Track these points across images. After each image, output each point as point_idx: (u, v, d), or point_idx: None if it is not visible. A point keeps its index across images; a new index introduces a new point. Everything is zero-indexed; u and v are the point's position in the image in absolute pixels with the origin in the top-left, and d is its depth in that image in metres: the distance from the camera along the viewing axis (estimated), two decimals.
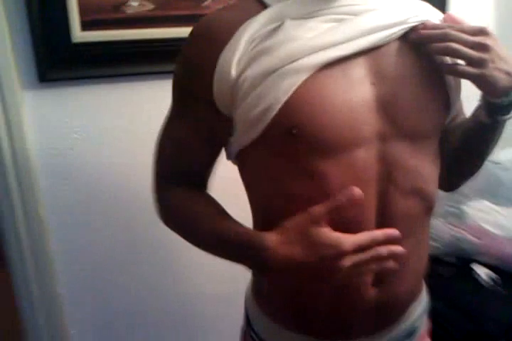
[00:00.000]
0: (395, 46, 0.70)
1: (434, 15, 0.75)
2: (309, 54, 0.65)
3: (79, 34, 1.14)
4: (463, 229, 1.40)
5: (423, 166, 0.74)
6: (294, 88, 0.65)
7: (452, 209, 1.47)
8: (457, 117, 0.85)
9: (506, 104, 0.72)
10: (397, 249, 0.65)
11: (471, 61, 0.68)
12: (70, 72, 1.17)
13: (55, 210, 1.27)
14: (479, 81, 0.70)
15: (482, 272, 1.36)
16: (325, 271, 0.63)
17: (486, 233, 1.36)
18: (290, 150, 0.69)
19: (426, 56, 0.71)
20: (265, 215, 0.78)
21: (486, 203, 1.40)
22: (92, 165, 1.26)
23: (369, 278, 0.74)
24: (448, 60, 0.72)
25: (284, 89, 0.65)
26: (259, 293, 0.85)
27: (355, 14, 0.68)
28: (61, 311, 1.33)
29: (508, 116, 0.75)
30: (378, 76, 0.69)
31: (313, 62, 0.65)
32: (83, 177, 1.27)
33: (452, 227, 1.43)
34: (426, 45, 0.70)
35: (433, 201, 0.78)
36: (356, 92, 0.67)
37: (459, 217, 1.42)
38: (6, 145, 1.17)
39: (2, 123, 1.15)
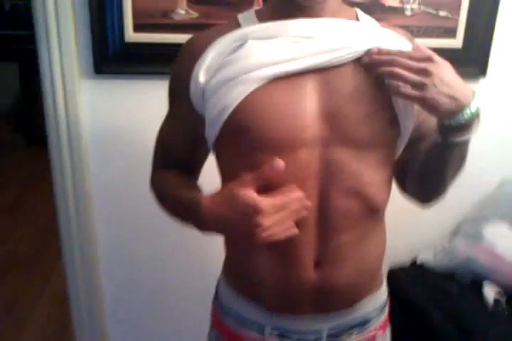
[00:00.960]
0: (349, 67, 0.79)
1: (396, 43, 0.82)
2: (261, 68, 0.76)
3: (131, 35, 1.33)
4: (478, 251, 1.39)
5: (364, 171, 0.82)
6: (244, 95, 0.77)
7: (471, 231, 1.46)
8: (425, 135, 0.89)
9: (455, 126, 0.77)
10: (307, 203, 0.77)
11: (412, 84, 0.75)
12: (121, 67, 1.35)
13: (101, 187, 1.46)
14: (421, 103, 0.77)
15: (490, 292, 1.34)
16: (248, 227, 0.73)
17: (498, 257, 1.34)
18: (241, 147, 0.81)
19: (376, 78, 0.79)
20: None
21: (505, 227, 1.37)
22: (135, 149, 1.44)
23: (310, 260, 0.84)
24: (395, 83, 0.78)
25: (236, 95, 0.77)
26: (225, 266, 0.98)
27: (308, 38, 0.78)
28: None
29: (460, 138, 0.78)
30: (326, 90, 0.78)
31: (263, 75, 0.77)
32: (126, 159, 1.44)
33: (468, 248, 1.42)
34: (375, 68, 0.78)
35: (375, 203, 0.86)
36: (302, 102, 0.78)
37: (477, 238, 1.41)
38: (63, 126, 1.39)
39: (62, 106, 1.37)
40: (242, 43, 0.79)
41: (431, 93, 0.74)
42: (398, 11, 1.39)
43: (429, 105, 0.76)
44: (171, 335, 1.63)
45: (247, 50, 0.78)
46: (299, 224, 0.79)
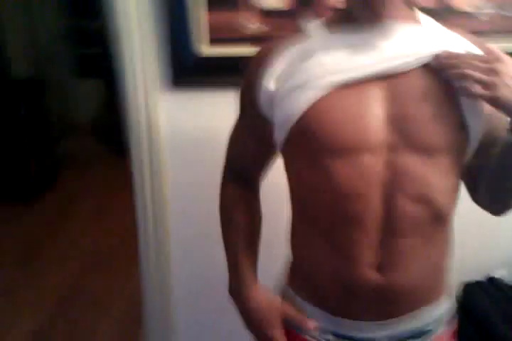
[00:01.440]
0: (415, 72, 0.80)
1: (461, 45, 0.82)
2: (329, 75, 0.80)
3: (207, 49, 1.40)
4: None
5: (431, 177, 0.82)
6: (311, 101, 0.81)
7: None
8: (498, 140, 0.87)
9: None
10: None
11: (483, 84, 0.76)
12: (198, 79, 1.43)
13: (179, 196, 1.54)
14: (493, 102, 0.77)
15: None
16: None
17: None
18: (307, 150, 0.85)
19: (445, 82, 0.80)
20: (293, 203, 0.94)
21: None
22: (211, 158, 1.50)
23: (372, 263, 0.85)
24: (466, 84, 0.78)
25: (303, 102, 0.81)
26: (289, 268, 1.01)
27: (375, 44, 0.80)
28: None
29: None
30: (392, 96, 0.80)
31: (330, 82, 0.80)
32: (203, 168, 1.51)
33: None
34: (445, 71, 0.79)
35: (441, 210, 0.85)
36: (367, 107, 0.80)
37: None
38: (144, 137, 1.48)
39: (143, 117, 1.47)
40: (311, 53, 0.82)
41: (502, 92, 0.75)
42: (473, 16, 1.36)
43: (501, 104, 0.76)
44: (238, 334, 1.66)
45: (316, 59, 0.81)
46: (362, 226, 0.82)
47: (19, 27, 4.27)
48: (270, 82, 0.84)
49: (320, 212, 0.87)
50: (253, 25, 1.38)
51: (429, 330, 0.94)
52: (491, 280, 1.50)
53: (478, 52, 0.82)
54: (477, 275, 1.54)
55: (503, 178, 0.87)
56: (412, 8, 0.85)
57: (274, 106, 0.85)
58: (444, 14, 1.36)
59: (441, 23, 0.87)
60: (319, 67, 0.80)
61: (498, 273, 1.49)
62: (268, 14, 1.38)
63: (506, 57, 0.77)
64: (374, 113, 0.80)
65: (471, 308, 1.48)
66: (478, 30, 1.36)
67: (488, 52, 0.79)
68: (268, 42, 0.90)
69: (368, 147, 0.80)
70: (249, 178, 1.03)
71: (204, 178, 1.49)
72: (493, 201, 0.93)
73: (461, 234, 1.52)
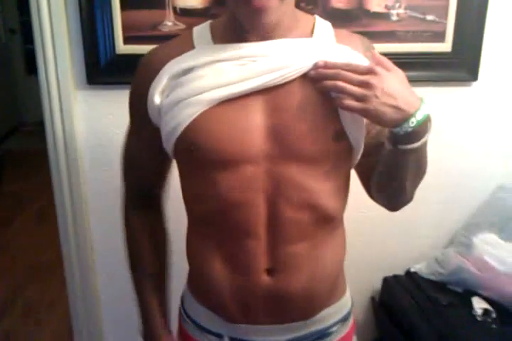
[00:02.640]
0: (296, 83, 0.81)
1: (346, 56, 0.82)
2: (210, 90, 0.80)
3: (122, 47, 1.38)
4: (467, 260, 1.36)
5: (313, 183, 0.84)
6: (193, 116, 0.81)
7: (463, 239, 1.44)
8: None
9: (402, 135, 0.77)
10: None
11: (354, 96, 0.76)
12: (113, 77, 1.40)
13: (96, 192, 1.52)
14: (364, 114, 0.78)
15: (478, 305, 1.31)
16: None
17: (488, 267, 1.31)
18: (192, 161, 0.85)
19: (323, 92, 0.80)
20: (187, 213, 0.94)
21: (494, 237, 1.34)
22: None
23: (262, 268, 0.85)
24: (339, 95, 0.79)
25: (186, 116, 0.81)
26: (188, 276, 1.01)
27: (254, 59, 0.80)
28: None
29: (410, 146, 0.79)
30: (271, 108, 0.81)
31: (211, 97, 0.80)
32: (118, 167, 1.49)
33: (459, 257, 1.38)
34: (319, 82, 0.79)
35: (327, 213, 0.87)
36: (247, 120, 0.81)
37: (468, 247, 1.37)
38: (60, 134, 1.45)
39: (58, 116, 1.44)
40: (193, 65, 0.82)
41: (373, 104, 0.76)
42: (384, 16, 1.38)
43: (372, 116, 0.77)
44: None
45: (198, 72, 0.81)
46: (249, 233, 0.83)
47: None
48: (155, 95, 0.84)
49: (208, 221, 0.88)
50: (168, 23, 1.37)
51: (333, 332, 0.95)
52: (408, 274, 1.53)
53: (363, 61, 0.82)
54: (396, 271, 1.58)
55: (388, 178, 0.88)
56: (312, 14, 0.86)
57: (161, 117, 0.85)
58: (356, 15, 1.38)
59: (353, 24, 0.86)
60: (200, 83, 0.80)
61: (416, 268, 1.53)
62: (184, 13, 1.37)
63: (387, 67, 0.78)
64: (254, 125, 0.81)
65: (388, 301, 1.52)
66: (388, 30, 1.39)
67: (373, 61, 0.80)
68: (154, 50, 0.90)
69: (248, 158, 0.81)
70: (151, 194, 1.02)
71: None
72: (385, 198, 0.95)
73: (381, 231, 1.58)
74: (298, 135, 0.81)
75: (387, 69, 0.78)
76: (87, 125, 1.46)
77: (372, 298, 1.58)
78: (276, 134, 0.81)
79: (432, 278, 1.45)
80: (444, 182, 1.51)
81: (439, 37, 1.41)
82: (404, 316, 1.37)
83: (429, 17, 1.40)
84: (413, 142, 0.78)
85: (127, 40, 1.38)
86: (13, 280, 2.69)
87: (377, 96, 0.75)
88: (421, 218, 1.56)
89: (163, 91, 0.84)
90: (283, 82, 0.80)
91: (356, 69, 0.78)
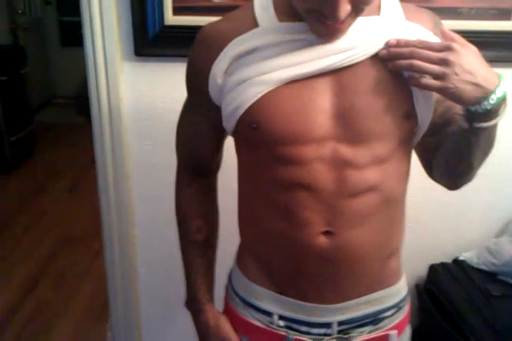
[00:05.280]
0: (366, 63, 0.77)
1: (417, 34, 0.78)
2: (276, 70, 0.77)
3: (171, 18, 1.34)
4: None
5: (376, 164, 0.80)
6: (258, 96, 0.78)
7: None
8: (452, 120, 0.86)
9: (482, 112, 0.75)
10: None
11: (433, 75, 0.74)
12: (161, 49, 1.36)
13: (139, 167, 1.50)
14: (443, 92, 0.76)
15: None
16: None
17: None
18: (253, 142, 0.83)
19: (394, 71, 0.77)
20: (240, 174, 0.92)
21: None
22: (171, 130, 1.46)
23: (318, 228, 0.82)
24: (415, 74, 0.76)
25: (250, 96, 0.78)
26: (238, 254, 0.99)
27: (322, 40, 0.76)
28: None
29: (487, 124, 0.76)
30: (339, 89, 0.78)
31: (277, 78, 0.77)
32: (164, 138, 1.45)
33: None
34: (393, 61, 0.76)
35: (389, 194, 0.84)
36: (313, 101, 0.78)
37: None
38: (105, 105, 1.43)
39: (104, 87, 1.41)
40: (259, 45, 0.78)
41: (452, 82, 0.73)
42: None
43: (451, 94, 0.75)
44: None
45: (263, 52, 0.78)
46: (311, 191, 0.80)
47: None
48: (218, 74, 0.81)
49: (265, 178, 0.85)
50: None
51: (386, 317, 0.92)
52: (456, 261, 1.48)
53: (434, 39, 0.78)
54: (444, 258, 1.53)
55: (456, 156, 0.86)
56: None
57: (223, 96, 0.83)
58: None
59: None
60: (265, 63, 0.77)
61: (465, 256, 1.48)
62: None
63: (461, 45, 0.74)
64: (321, 105, 0.78)
65: (435, 290, 1.47)
66: (453, 7, 1.31)
67: (444, 38, 0.76)
68: (214, 24, 0.85)
69: (313, 138, 0.78)
70: (205, 168, 0.99)
71: (167, 152, 1.45)
72: (447, 176, 0.92)
73: (428, 216, 1.53)
74: (367, 117, 0.78)
75: (462, 45, 0.74)
76: (133, 97, 1.43)
77: (417, 286, 1.54)
78: (344, 115, 0.78)
79: (483, 267, 1.40)
80: (497, 170, 1.45)
81: (505, 14, 1.33)
82: (452, 306, 1.33)
83: None
84: (490, 120, 0.76)
85: (176, 11, 1.34)
86: (45, 252, 2.72)
87: (456, 74, 0.73)
88: (471, 205, 1.50)
89: (226, 71, 0.81)
90: (352, 63, 0.76)
91: (431, 46, 0.74)
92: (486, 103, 0.74)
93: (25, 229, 2.93)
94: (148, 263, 1.61)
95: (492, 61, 1.38)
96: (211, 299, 0.99)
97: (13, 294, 2.37)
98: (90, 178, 3.37)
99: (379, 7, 0.80)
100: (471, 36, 1.32)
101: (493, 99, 0.74)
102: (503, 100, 0.74)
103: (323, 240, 0.82)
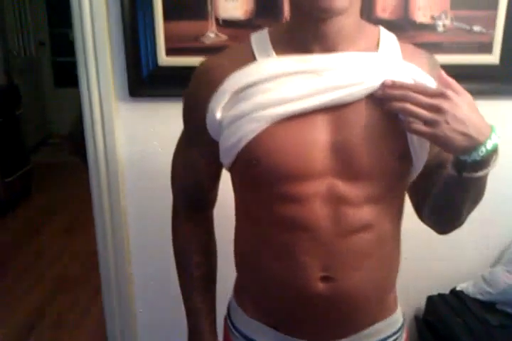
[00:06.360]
0: (362, 100, 0.78)
1: (413, 75, 0.79)
2: (274, 106, 0.78)
3: (164, 59, 1.38)
4: None
5: (370, 202, 0.81)
6: (256, 132, 0.79)
7: None
8: (445, 163, 0.85)
9: (470, 163, 0.75)
10: None
11: (424, 121, 0.74)
12: (155, 89, 1.40)
13: (135, 206, 1.51)
14: (432, 139, 0.76)
15: None
16: None
17: None
18: (251, 178, 0.84)
19: (390, 112, 0.78)
20: (237, 208, 0.93)
21: None
22: (166, 168, 1.47)
23: (316, 273, 0.82)
24: (407, 118, 0.76)
25: (249, 131, 0.79)
26: (236, 286, 0.99)
27: (320, 74, 0.78)
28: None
29: (476, 174, 0.76)
30: (337, 125, 0.79)
31: (275, 114, 0.78)
32: (162, 178, 1.48)
33: (509, 276, 1.33)
34: (387, 103, 0.77)
35: (385, 231, 0.85)
36: (311, 137, 0.79)
37: None
38: (101, 146, 1.45)
39: (99, 128, 1.44)
40: (257, 80, 0.79)
41: (442, 130, 0.73)
42: (430, 28, 1.36)
43: (440, 142, 0.75)
44: None
45: (261, 86, 0.79)
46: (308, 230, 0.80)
47: None
48: (216, 110, 0.82)
49: (263, 216, 0.85)
50: (211, 34, 1.37)
51: None
52: (454, 292, 1.48)
53: (430, 82, 0.79)
54: (442, 289, 1.52)
55: (445, 202, 0.86)
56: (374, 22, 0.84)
57: (221, 131, 0.83)
58: (401, 26, 1.35)
59: (399, 35, 0.84)
60: (264, 97, 0.78)
61: (462, 286, 1.48)
62: (226, 24, 1.36)
63: (456, 93, 0.74)
64: (318, 141, 0.79)
65: (434, 321, 1.46)
66: (435, 42, 1.37)
67: (439, 82, 0.76)
68: (211, 60, 0.87)
69: (312, 173, 0.79)
70: (202, 203, 0.99)
71: (163, 190, 1.46)
72: (436, 221, 0.92)
73: (427, 249, 1.53)
74: (363, 154, 0.78)
75: (457, 93, 0.74)
76: (128, 137, 1.45)
77: (416, 317, 1.53)
78: (341, 151, 0.79)
79: (480, 297, 1.40)
80: (490, 198, 1.46)
81: (486, 48, 1.38)
82: (452, 337, 1.32)
83: (476, 28, 1.36)
84: (479, 170, 0.75)
85: (169, 52, 1.38)
86: (43, 292, 2.68)
87: (447, 122, 0.72)
88: (466, 235, 1.50)
89: (225, 106, 0.81)
90: (350, 100, 0.78)
91: (426, 91, 0.75)
92: (474, 154, 0.73)
93: (23, 270, 2.90)
94: (146, 302, 1.59)
95: (473, 94, 1.44)
96: (215, 333, 0.98)
97: (12, 335, 2.33)
98: (87, 217, 3.40)
99: (377, 44, 0.82)
100: (453, 70, 1.39)
101: (483, 151, 0.73)
102: (493, 152, 0.74)
103: (321, 286, 0.82)
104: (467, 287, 1.46)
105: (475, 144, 0.73)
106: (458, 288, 1.48)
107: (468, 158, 0.74)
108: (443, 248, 1.52)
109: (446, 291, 1.51)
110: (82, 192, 3.75)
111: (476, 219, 1.45)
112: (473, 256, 1.53)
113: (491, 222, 1.50)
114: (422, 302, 1.52)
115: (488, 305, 1.38)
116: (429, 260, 1.52)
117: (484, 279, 1.41)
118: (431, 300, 1.49)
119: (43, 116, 5.26)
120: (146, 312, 1.60)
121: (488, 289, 1.38)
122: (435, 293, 1.52)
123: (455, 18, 1.35)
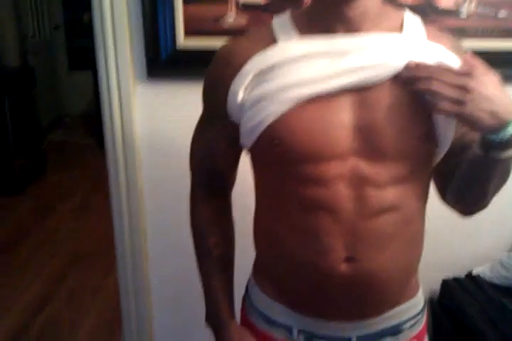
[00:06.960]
0: (386, 81, 0.78)
1: (438, 55, 0.78)
2: (297, 87, 0.77)
3: (183, 41, 1.37)
4: None
5: (395, 183, 0.81)
6: (279, 113, 0.79)
7: None
8: (470, 145, 0.84)
9: (498, 143, 0.74)
10: None
11: (450, 100, 0.73)
12: (173, 71, 1.40)
13: (153, 187, 1.53)
14: (459, 118, 0.75)
15: None
16: None
17: None
18: (273, 159, 0.84)
19: (415, 93, 0.77)
20: (257, 189, 0.93)
21: None
22: (184, 151, 1.48)
23: (340, 254, 0.82)
24: (433, 99, 0.75)
25: (271, 113, 0.79)
26: (255, 266, 1.00)
27: (344, 55, 0.77)
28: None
29: (503, 155, 0.75)
30: (361, 106, 0.79)
31: (298, 95, 0.78)
32: (176, 160, 1.47)
33: None
34: (413, 84, 0.76)
35: (409, 213, 0.85)
36: (335, 118, 0.79)
37: None
38: (118, 127, 1.46)
39: (117, 109, 1.44)
40: (279, 61, 0.79)
41: (469, 109, 0.72)
42: (453, 13, 1.34)
43: (468, 121, 0.74)
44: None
45: (284, 68, 0.79)
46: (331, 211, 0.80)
47: (10, 20, 4.21)
48: (238, 92, 0.82)
49: (286, 196, 0.85)
50: (230, 18, 1.36)
51: (406, 328, 0.93)
52: (470, 276, 1.48)
53: (456, 62, 0.78)
54: (457, 273, 1.53)
55: (470, 184, 0.85)
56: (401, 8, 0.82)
57: (242, 113, 0.83)
58: (425, 11, 1.33)
59: (422, 21, 0.83)
60: (286, 79, 0.78)
61: (478, 270, 1.48)
62: (245, 7, 1.35)
63: (482, 72, 0.73)
64: (342, 122, 0.78)
65: (449, 304, 1.47)
66: (457, 27, 1.34)
67: (464, 63, 0.75)
68: (232, 43, 0.87)
69: (335, 154, 0.79)
70: (221, 184, 1.00)
71: (179, 171, 1.47)
72: (460, 203, 0.91)
73: (443, 232, 1.53)
74: (387, 135, 0.78)
75: (483, 73, 0.73)
76: (146, 118, 1.46)
77: (430, 300, 1.54)
78: (365, 132, 0.78)
79: (496, 281, 1.40)
80: (509, 181, 1.45)
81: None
82: (468, 320, 1.33)
83: (502, 14, 1.34)
84: (506, 150, 0.75)
85: (188, 35, 1.37)
86: (56, 268, 2.74)
87: (474, 101, 0.72)
88: (484, 218, 1.49)
89: (247, 87, 0.81)
90: (374, 81, 0.77)
91: (452, 70, 0.74)
92: (503, 133, 0.72)
93: (38, 246, 2.96)
94: (162, 277, 1.61)
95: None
96: (233, 315, 0.99)
97: (25, 310, 2.39)
98: (100, 197, 3.44)
99: (401, 25, 0.81)
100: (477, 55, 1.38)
101: (510, 130, 0.72)
102: None
103: (345, 267, 0.83)
104: (483, 271, 1.46)
105: (503, 123, 0.72)
106: (474, 272, 1.48)
107: (496, 137, 0.73)
108: (459, 231, 1.52)
109: (462, 275, 1.52)
110: (95, 172, 3.85)
111: (494, 202, 1.46)
112: (490, 240, 1.52)
113: (509, 206, 1.50)
114: (437, 285, 1.53)
115: (505, 290, 1.38)
116: (444, 243, 1.53)
117: (501, 263, 1.41)
118: (446, 283, 1.49)
119: (57, 98, 5.28)
120: (161, 287, 1.62)
121: (506, 273, 1.38)
122: (450, 276, 1.52)
123: (480, 4, 1.32)
